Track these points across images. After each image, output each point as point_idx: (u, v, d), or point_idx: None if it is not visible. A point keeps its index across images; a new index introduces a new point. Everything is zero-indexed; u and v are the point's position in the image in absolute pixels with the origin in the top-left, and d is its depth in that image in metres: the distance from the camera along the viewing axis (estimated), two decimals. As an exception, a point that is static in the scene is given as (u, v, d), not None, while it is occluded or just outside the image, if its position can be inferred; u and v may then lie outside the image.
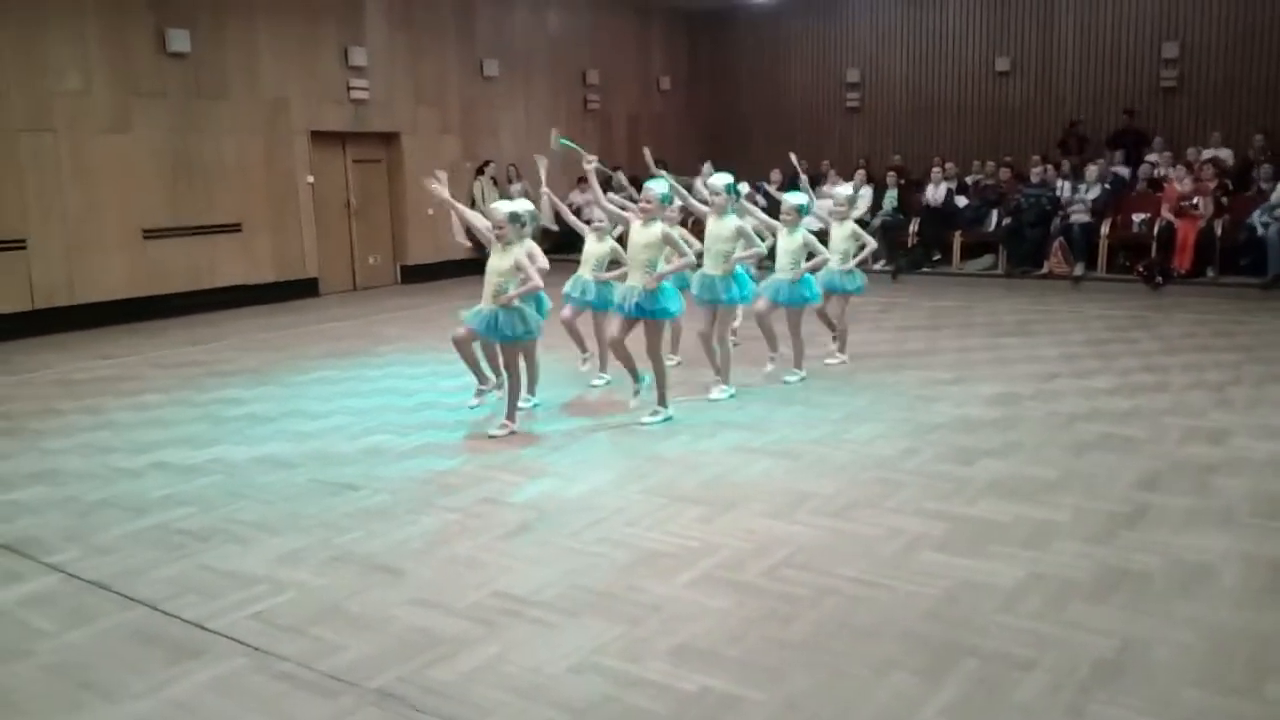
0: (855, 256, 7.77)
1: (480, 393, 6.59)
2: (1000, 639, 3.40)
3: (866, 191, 13.84)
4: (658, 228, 6.27)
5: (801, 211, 7.39)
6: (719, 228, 6.68)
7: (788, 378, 7.31)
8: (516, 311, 5.95)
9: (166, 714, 3.11)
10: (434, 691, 3.18)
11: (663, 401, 6.40)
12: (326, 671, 3.32)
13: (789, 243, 7.29)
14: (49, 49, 10.32)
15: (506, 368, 6.20)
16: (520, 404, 6.65)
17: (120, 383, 8.01)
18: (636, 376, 6.53)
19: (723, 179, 6.70)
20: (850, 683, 3.17)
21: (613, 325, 6.50)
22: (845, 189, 8.35)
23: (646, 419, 6.33)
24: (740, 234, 6.61)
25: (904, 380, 7.33)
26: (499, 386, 6.56)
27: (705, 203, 6.97)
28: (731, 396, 6.77)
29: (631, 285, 6.33)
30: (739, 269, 6.79)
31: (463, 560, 4.24)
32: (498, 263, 5.97)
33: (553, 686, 3.18)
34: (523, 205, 6.51)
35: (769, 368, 7.50)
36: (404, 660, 3.37)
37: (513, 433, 6.07)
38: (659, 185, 6.40)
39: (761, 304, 7.37)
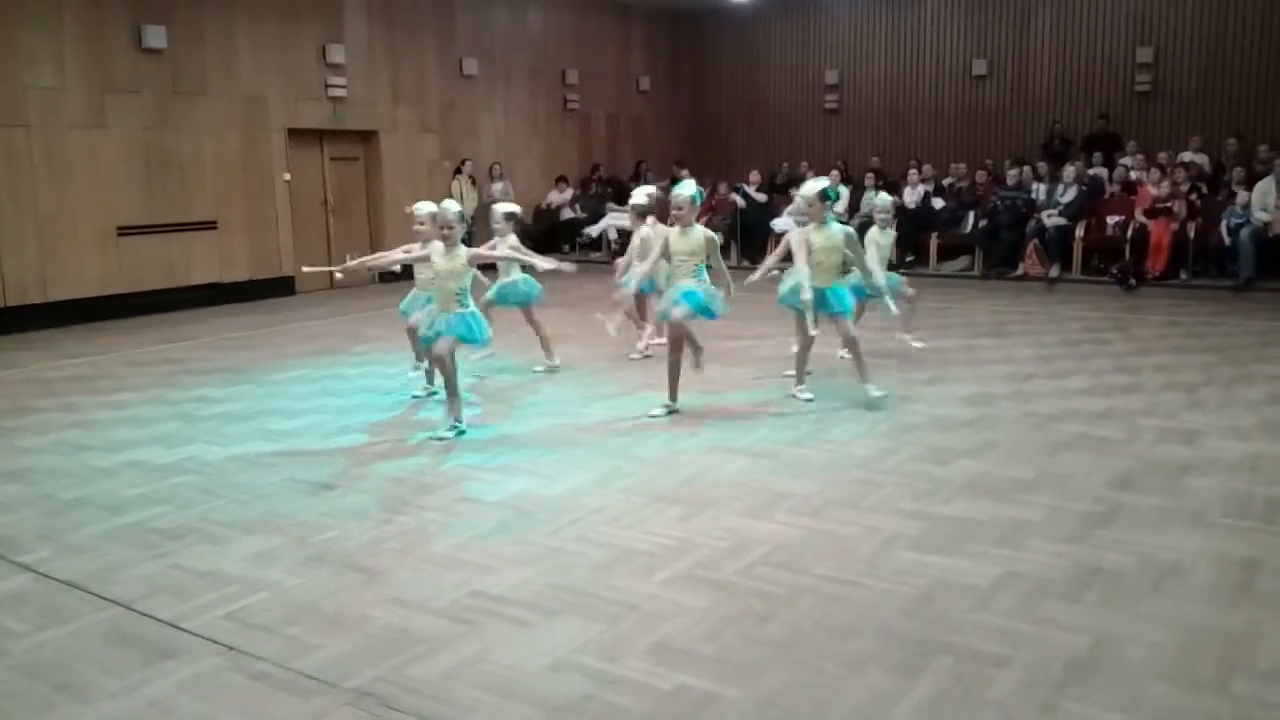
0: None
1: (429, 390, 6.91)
2: (975, 637, 3.43)
3: (843, 192, 13.92)
4: (698, 232, 6.22)
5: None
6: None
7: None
8: (474, 315, 5.96)
9: (141, 714, 3.09)
10: (411, 690, 3.17)
11: (673, 397, 6.48)
12: (302, 671, 3.30)
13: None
14: (23, 43, 10.22)
15: (442, 364, 6.05)
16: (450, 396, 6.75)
17: (94, 381, 7.94)
18: (674, 395, 6.49)
19: (688, 189, 6.30)
20: (826, 680, 3.19)
21: (676, 313, 6.30)
22: (886, 198, 8.31)
23: (654, 411, 6.40)
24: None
25: (881, 381, 7.35)
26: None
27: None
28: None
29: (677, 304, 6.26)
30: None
31: (440, 559, 4.23)
32: (448, 264, 5.91)
33: (531, 685, 3.19)
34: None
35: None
36: (381, 660, 3.37)
37: (462, 432, 6.03)
38: (688, 189, 6.27)
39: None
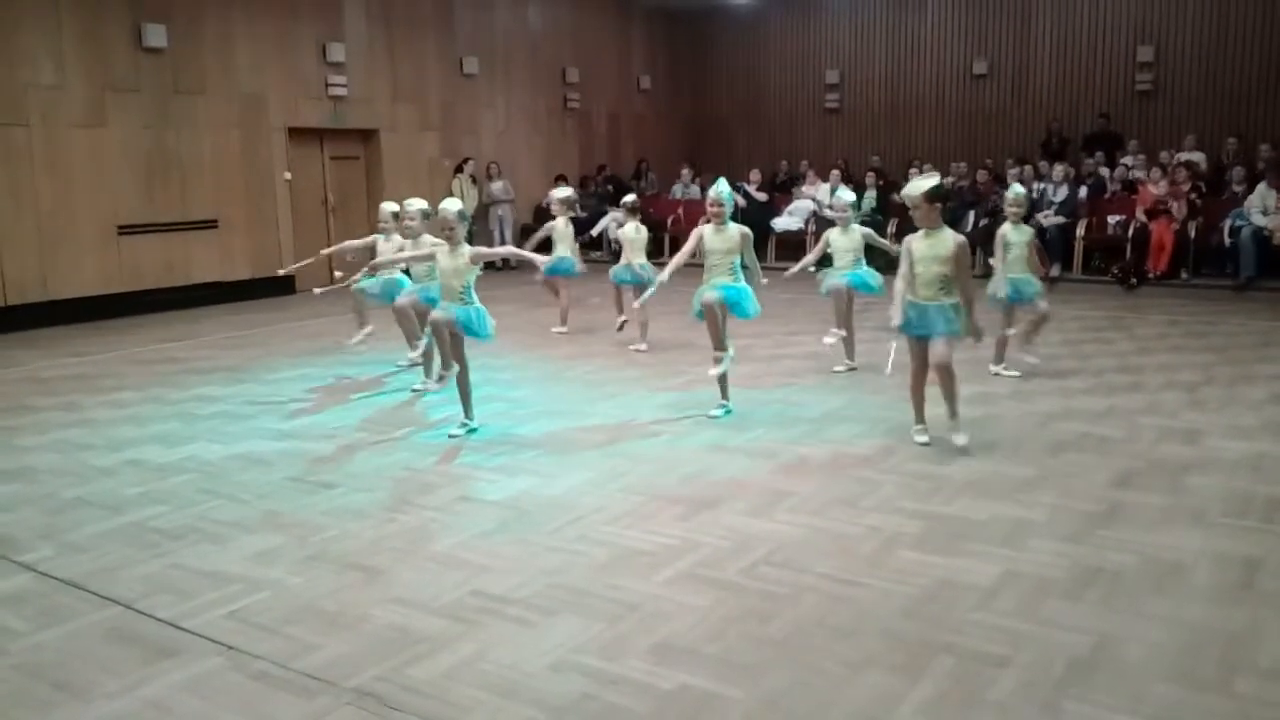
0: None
1: (442, 378, 6.81)
2: (976, 637, 3.43)
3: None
4: (734, 230, 6.14)
5: (855, 208, 7.58)
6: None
7: (837, 367, 7.64)
8: (481, 311, 5.95)
9: (141, 714, 3.08)
10: (412, 690, 3.17)
11: (725, 395, 6.45)
12: (303, 671, 3.30)
13: (847, 240, 7.50)
14: (23, 41, 10.21)
15: (458, 360, 6.07)
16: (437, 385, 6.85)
17: (95, 380, 7.94)
18: (720, 345, 6.36)
19: (724, 187, 6.29)
20: (828, 680, 3.18)
21: (709, 296, 6.25)
22: (1019, 189, 7.79)
23: (714, 411, 6.37)
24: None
25: (881, 380, 7.35)
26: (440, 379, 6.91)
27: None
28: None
29: (713, 289, 6.18)
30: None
31: (441, 558, 4.23)
32: (451, 263, 5.92)
33: (531, 685, 3.18)
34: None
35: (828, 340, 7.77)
36: (381, 659, 3.36)
37: (473, 431, 6.04)
38: (725, 186, 6.23)
39: (838, 293, 7.59)
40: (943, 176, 14.46)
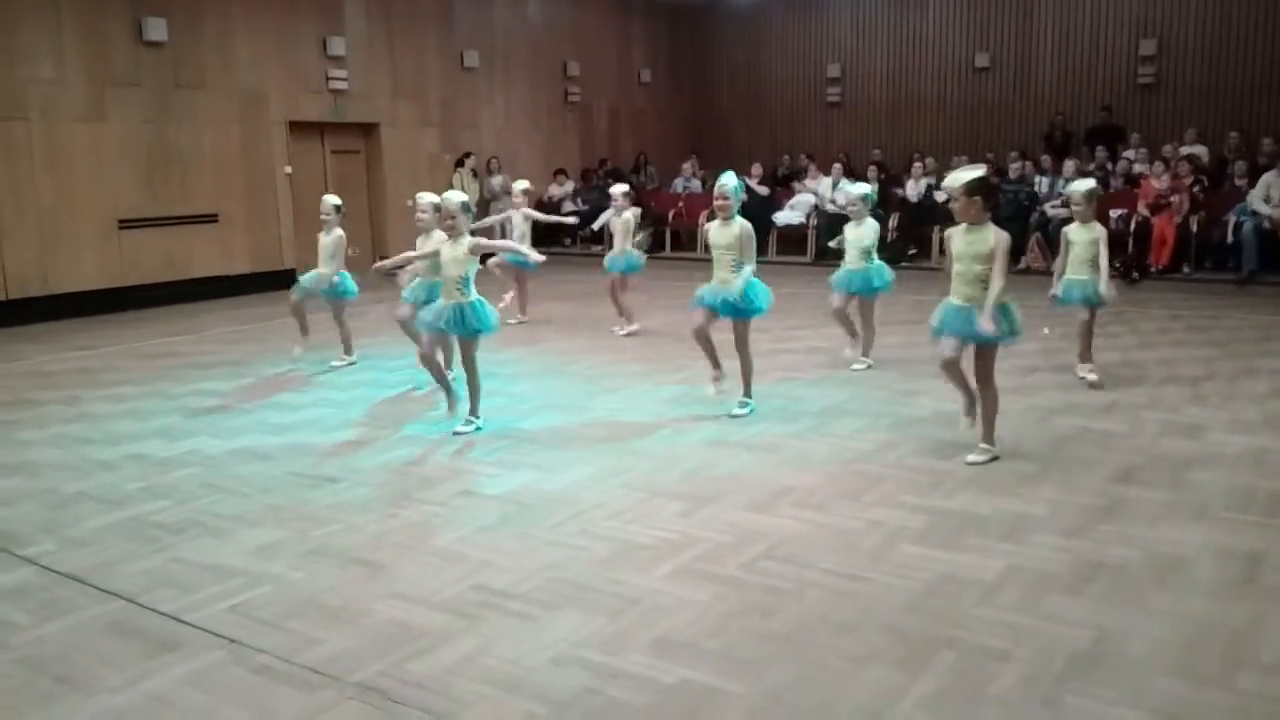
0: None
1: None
2: (978, 631, 3.42)
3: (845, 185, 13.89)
4: (737, 225, 6.02)
5: (867, 200, 7.56)
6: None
7: (855, 366, 7.57)
8: (478, 303, 5.90)
9: (143, 707, 3.09)
10: (414, 684, 3.17)
11: (748, 393, 6.33)
12: (305, 665, 3.30)
13: (858, 235, 7.44)
14: (22, 35, 10.20)
15: (465, 364, 6.02)
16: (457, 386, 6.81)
17: (96, 374, 7.94)
18: (717, 364, 6.34)
19: (731, 180, 6.17)
20: (830, 674, 3.18)
21: (696, 316, 6.22)
22: (1087, 183, 7.29)
23: (736, 410, 6.26)
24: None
25: (884, 375, 7.36)
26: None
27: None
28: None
29: (718, 286, 6.07)
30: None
31: (442, 553, 4.23)
32: (450, 253, 5.89)
33: (533, 679, 3.18)
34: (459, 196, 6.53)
35: (848, 353, 7.70)
36: (383, 653, 3.36)
37: (479, 428, 6.03)
38: (732, 179, 6.13)
39: (838, 297, 7.51)
40: (944, 170, 14.44)
